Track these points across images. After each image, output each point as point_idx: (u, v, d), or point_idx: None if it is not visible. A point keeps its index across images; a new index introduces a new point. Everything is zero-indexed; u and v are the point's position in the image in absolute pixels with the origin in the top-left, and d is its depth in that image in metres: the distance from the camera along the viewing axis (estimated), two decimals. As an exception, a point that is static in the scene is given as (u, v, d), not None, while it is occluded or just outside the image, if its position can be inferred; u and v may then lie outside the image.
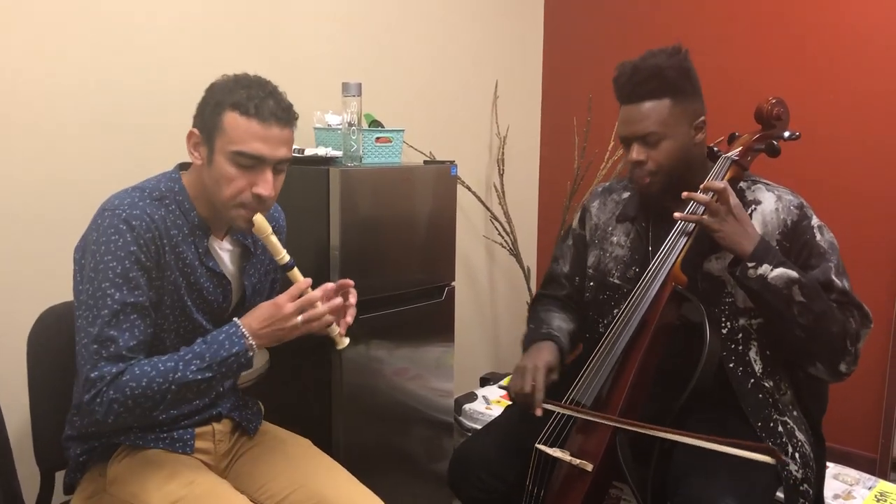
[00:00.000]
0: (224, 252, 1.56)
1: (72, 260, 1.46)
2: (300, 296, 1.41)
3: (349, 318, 1.52)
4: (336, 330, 1.50)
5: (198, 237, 1.48)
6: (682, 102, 1.60)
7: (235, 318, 1.42)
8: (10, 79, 1.96)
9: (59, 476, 1.65)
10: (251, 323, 1.40)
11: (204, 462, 1.57)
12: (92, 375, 1.33)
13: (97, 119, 2.11)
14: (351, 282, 1.53)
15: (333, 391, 2.25)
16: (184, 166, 1.54)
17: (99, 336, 1.34)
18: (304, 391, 2.34)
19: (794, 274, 1.49)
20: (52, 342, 1.63)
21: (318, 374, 2.27)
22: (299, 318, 1.40)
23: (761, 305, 1.54)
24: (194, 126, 1.45)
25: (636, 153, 1.62)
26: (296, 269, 1.46)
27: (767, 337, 1.64)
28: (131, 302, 1.37)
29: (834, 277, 1.57)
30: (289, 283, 1.45)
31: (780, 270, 1.49)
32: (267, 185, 1.42)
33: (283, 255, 1.46)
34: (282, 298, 1.41)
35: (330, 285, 1.47)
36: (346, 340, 1.52)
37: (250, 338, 1.39)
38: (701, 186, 1.55)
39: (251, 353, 1.41)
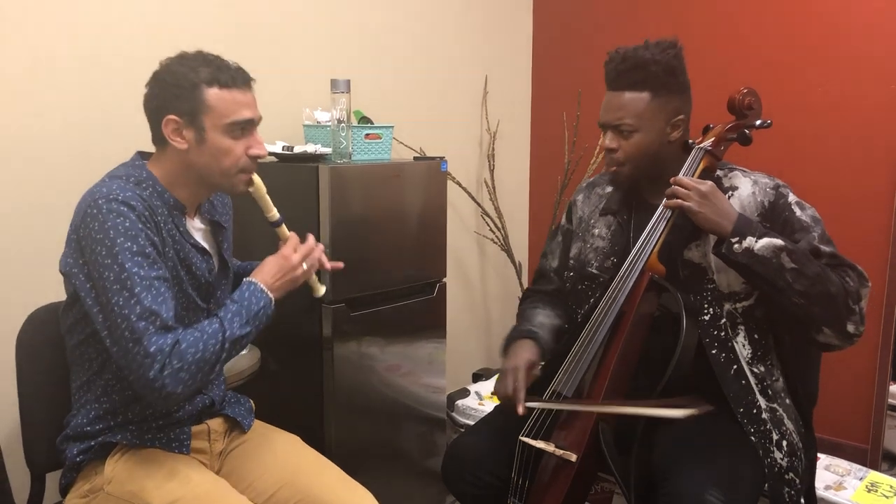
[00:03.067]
0: (197, 231, 1.58)
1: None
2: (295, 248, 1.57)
3: (328, 265, 1.68)
4: (314, 278, 1.66)
5: (175, 217, 1.51)
6: (662, 98, 1.62)
7: (248, 279, 1.52)
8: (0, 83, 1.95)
9: (50, 477, 1.65)
10: (265, 278, 1.52)
11: (201, 461, 1.57)
12: (152, 350, 1.33)
13: (86, 122, 2.10)
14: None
15: (325, 388, 2.24)
16: (144, 155, 1.55)
17: (143, 313, 1.35)
18: (295, 389, 2.34)
19: (779, 241, 1.50)
20: (42, 343, 1.62)
21: (309, 371, 2.26)
22: (304, 265, 1.57)
23: (754, 279, 1.55)
24: (167, 113, 1.45)
25: (609, 140, 1.68)
26: (283, 225, 1.62)
27: (757, 320, 1.64)
28: (155, 275, 1.39)
29: (819, 244, 1.58)
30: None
31: (765, 240, 1.50)
32: (260, 145, 1.52)
33: (274, 212, 1.60)
34: (287, 251, 1.56)
35: (311, 235, 1.64)
36: (324, 288, 1.72)
37: (269, 291, 1.51)
38: (671, 180, 1.59)
39: (273, 306, 1.52)
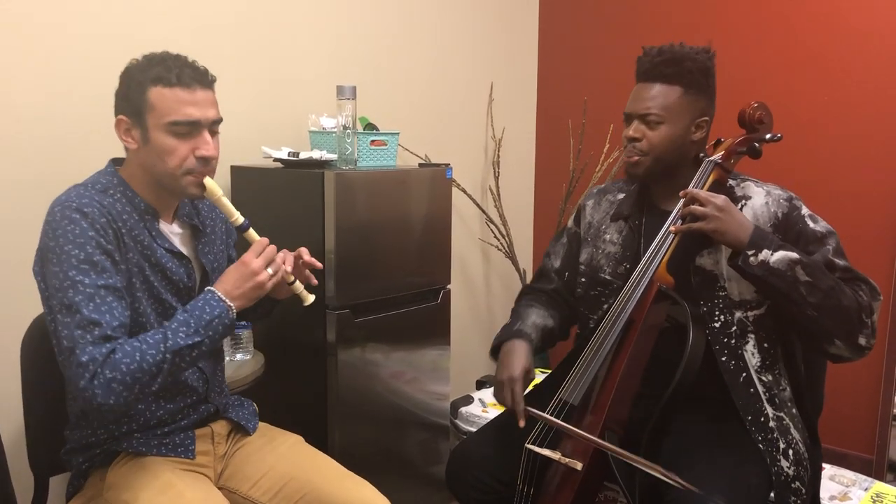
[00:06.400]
0: (174, 235, 1.57)
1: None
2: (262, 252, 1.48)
3: (313, 280, 1.63)
4: (300, 287, 1.58)
5: (147, 221, 1.49)
6: (692, 96, 1.65)
7: (208, 287, 1.45)
8: (4, 86, 1.96)
9: (53, 481, 1.65)
10: (225, 286, 1.44)
11: (204, 464, 1.57)
12: (83, 359, 1.30)
13: (90, 125, 2.10)
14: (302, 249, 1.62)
15: (329, 394, 2.24)
16: (117, 162, 1.55)
17: (81, 321, 1.32)
18: (299, 394, 2.34)
19: (795, 255, 1.51)
20: (45, 348, 1.61)
21: (313, 377, 2.26)
22: (270, 269, 1.46)
23: (768, 291, 1.55)
24: (119, 113, 1.46)
25: (633, 130, 1.68)
26: (251, 230, 1.52)
27: (767, 329, 1.65)
28: (103, 284, 1.36)
29: (833, 258, 1.59)
30: (246, 244, 1.50)
31: (781, 253, 1.50)
32: (208, 146, 1.46)
33: (237, 217, 1.51)
34: (247, 256, 1.46)
35: (285, 250, 1.56)
36: (312, 297, 1.59)
37: (227, 300, 1.43)
38: (680, 194, 1.60)
39: (233, 314, 1.43)
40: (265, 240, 1.49)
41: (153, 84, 1.41)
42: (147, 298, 1.48)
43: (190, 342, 1.37)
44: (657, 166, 1.67)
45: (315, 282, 1.64)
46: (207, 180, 1.47)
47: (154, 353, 1.34)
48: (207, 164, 1.47)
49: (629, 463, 1.48)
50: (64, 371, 1.36)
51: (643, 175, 1.70)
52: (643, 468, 1.45)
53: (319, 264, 1.63)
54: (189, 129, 1.43)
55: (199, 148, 1.45)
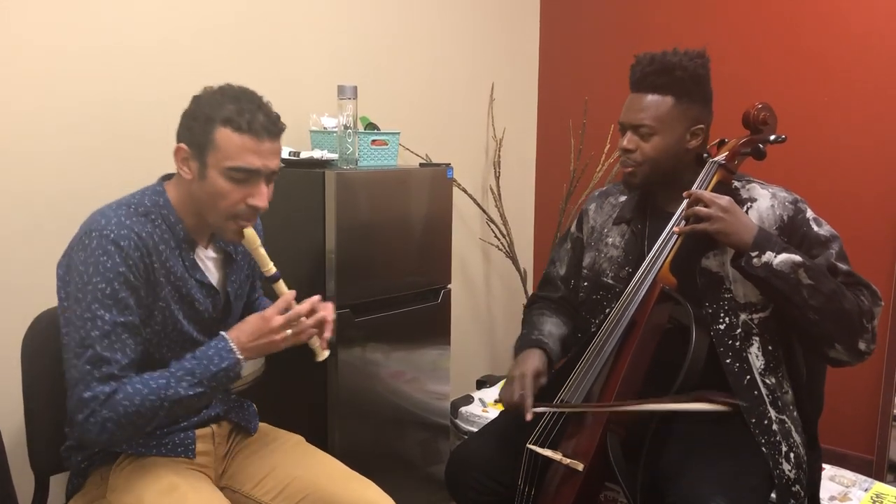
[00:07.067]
0: (209, 260, 1.56)
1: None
2: (286, 309, 1.45)
3: (327, 334, 1.55)
4: (317, 342, 1.54)
5: (184, 250, 1.49)
6: (684, 105, 1.64)
7: (223, 333, 1.45)
8: (4, 86, 1.96)
9: (54, 480, 1.65)
10: (239, 336, 1.44)
11: (205, 464, 1.58)
12: (85, 396, 1.33)
13: (91, 128, 2.11)
14: (328, 303, 1.56)
15: (329, 395, 2.24)
16: (167, 177, 1.54)
17: (92, 357, 1.34)
18: (300, 395, 2.34)
19: (798, 258, 1.51)
20: (46, 346, 1.61)
21: (314, 377, 2.26)
22: (288, 331, 1.45)
23: (770, 293, 1.56)
24: (181, 141, 1.44)
25: (627, 141, 1.68)
26: (281, 281, 1.50)
27: (771, 332, 1.65)
28: (121, 322, 1.37)
29: (836, 262, 1.59)
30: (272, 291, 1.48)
31: (784, 256, 1.51)
32: (262, 196, 1.44)
33: (270, 267, 1.50)
34: (269, 312, 1.45)
35: (316, 298, 1.51)
36: (326, 353, 1.56)
37: (239, 352, 1.43)
38: (684, 195, 1.60)
39: (240, 368, 1.44)
40: (291, 295, 1.47)
41: (223, 125, 1.39)
42: (166, 331, 1.48)
43: (191, 392, 1.39)
44: (653, 175, 1.67)
45: (331, 335, 1.56)
46: (248, 230, 1.47)
47: (154, 399, 1.36)
48: (255, 214, 1.46)
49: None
50: (68, 395, 1.38)
51: (639, 184, 1.70)
52: (664, 408, 1.48)
53: (331, 319, 1.55)
54: (247, 176, 1.41)
55: (253, 197, 1.43)
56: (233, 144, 1.39)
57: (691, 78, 1.63)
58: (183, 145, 1.43)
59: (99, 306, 1.35)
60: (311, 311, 1.50)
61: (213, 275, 1.57)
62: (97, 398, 1.33)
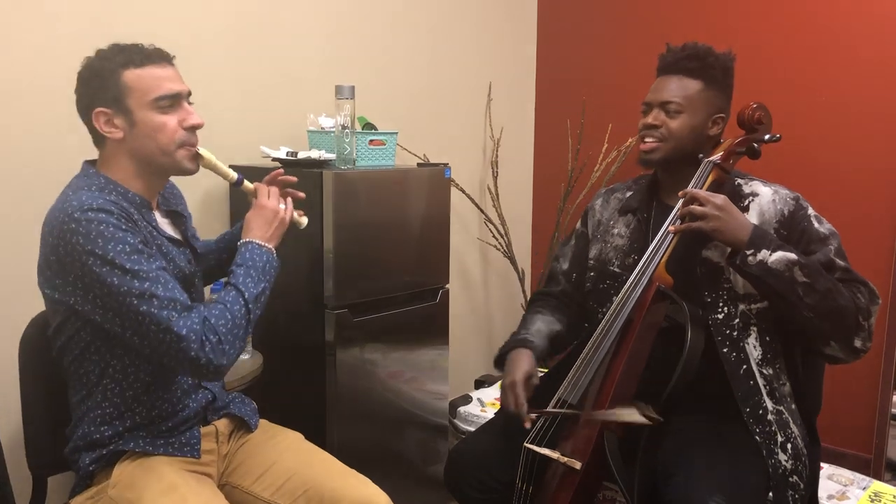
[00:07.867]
0: (163, 221, 1.58)
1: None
2: (267, 195, 1.58)
3: (300, 194, 1.69)
4: (296, 215, 1.65)
5: (144, 213, 1.50)
6: (712, 91, 1.70)
7: (241, 240, 1.53)
8: (7, 86, 1.96)
9: (52, 481, 1.65)
10: (256, 234, 1.53)
11: (209, 463, 1.58)
12: (183, 332, 1.34)
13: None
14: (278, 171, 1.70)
15: (328, 394, 2.24)
16: (90, 163, 1.54)
17: (161, 303, 1.35)
18: (298, 394, 2.34)
19: (793, 256, 1.52)
20: (44, 347, 1.61)
21: (312, 377, 2.26)
22: (282, 205, 1.58)
23: (765, 291, 1.57)
24: (94, 107, 1.45)
25: (653, 117, 1.71)
26: (245, 181, 1.62)
27: (769, 322, 1.65)
28: (158, 266, 1.39)
29: (835, 258, 1.60)
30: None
31: (779, 254, 1.52)
32: (193, 114, 1.49)
33: (232, 175, 1.60)
34: (261, 200, 1.57)
35: (276, 171, 1.68)
36: (305, 219, 1.67)
37: (265, 244, 1.53)
38: (679, 194, 1.61)
39: (276, 256, 1.54)
40: (262, 185, 1.60)
41: (124, 68, 1.43)
42: None
43: (259, 289, 1.47)
44: (673, 154, 1.70)
45: (302, 195, 1.69)
46: (202, 149, 1.52)
47: (239, 308, 1.43)
48: (195, 134, 1.50)
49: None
50: (161, 355, 1.38)
51: (658, 161, 1.72)
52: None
53: (294, 178, 1.68)
54: (172, 101, 1.46)
55: (186, 118, 1.48)
56: (143, 80, 1.43)
57: (721, 67, 1.70)
58: (99, 108, 1.44)
59: (132, 263, 1.35)
60: (274, 178, 1.65)
61: (175, 231, 1.61)
62: (195, 329, 1.35)
